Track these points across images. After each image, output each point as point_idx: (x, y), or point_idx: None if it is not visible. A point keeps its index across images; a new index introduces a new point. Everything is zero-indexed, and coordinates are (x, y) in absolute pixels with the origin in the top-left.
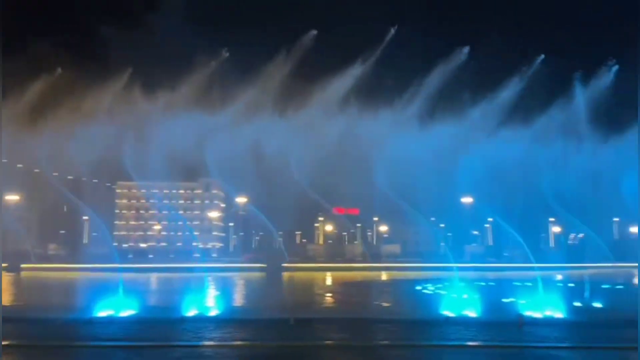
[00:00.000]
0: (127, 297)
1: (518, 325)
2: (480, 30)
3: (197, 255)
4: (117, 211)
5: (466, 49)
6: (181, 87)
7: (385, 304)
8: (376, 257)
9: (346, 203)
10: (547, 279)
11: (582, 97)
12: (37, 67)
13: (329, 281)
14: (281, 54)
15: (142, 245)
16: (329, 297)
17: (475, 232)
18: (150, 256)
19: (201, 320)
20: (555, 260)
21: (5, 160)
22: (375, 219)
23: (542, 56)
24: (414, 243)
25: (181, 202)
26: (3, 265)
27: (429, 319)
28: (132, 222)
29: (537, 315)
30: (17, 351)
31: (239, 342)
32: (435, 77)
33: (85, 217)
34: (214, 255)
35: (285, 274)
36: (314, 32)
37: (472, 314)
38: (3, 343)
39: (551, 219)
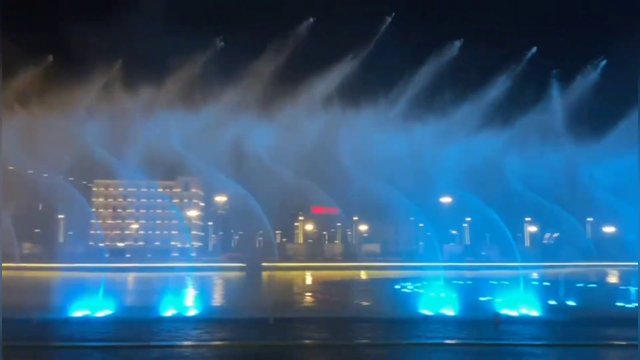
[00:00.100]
0: (104, 297)
1: (495, 323)
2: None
3: (176, 254)
4: (93, 210)
5: (453, 48)
6: (162, 84)
7: (364, 303)
8: (356, 256)
9: (326, 202)
10: (523, 278)
11: (559, 98)
12: (12, 62)
13: (308, 280)
14: (264, 54)
15: (119, 244)
16: (308, 297)
17: (454, 232)
18: (128, 255)
19: (179, 320)
20: (530, 259)
21: None
22: (355, 218)
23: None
24: (393, 242)
25: (159, 200)
26: None
27: (407, 318)
28: (109, 221)
29: (514, 313)
30: None
31: (218, 342)
32: (418, 78)
33: (60, 216)
34: (193, 254)
35: (265, 274)
36: (311, 20)
37: (450, 312)
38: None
39: (527, 219)
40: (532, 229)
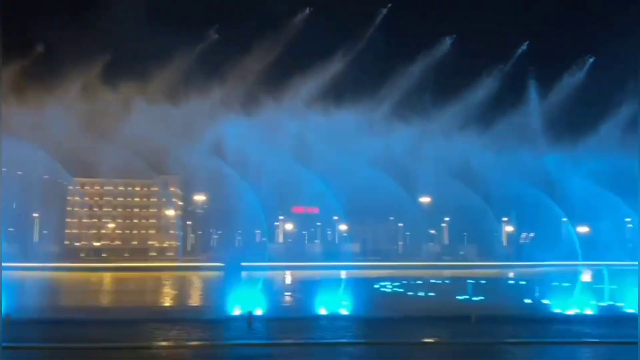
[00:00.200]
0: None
1: (472, 321)
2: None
3: (153, 254)
4: (69, 209)
5: (443, 46)
6: (141, 82)
7: (344, 302)
8: (336, 255)
9: (306, 202)
10: (500, 277)
11: (537, 101)
12: None
13: (288, 280)
14: (251, 52)
15: (96, 243)
16: (287, 296)
17: (432, 232)
18: (104, 255)
19: (152, 321)
20: (507, 258)
21: None
22: (336, 217)
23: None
24: (373, 242)
25: (137, 199)
26: None
27: (387, 317)
28: (85, 220)
29: (491, 311)
30: None
31: (194, 343)
32: (399, 81)
33: (35, 215)
34: (170, 254)
35: (244, 273)
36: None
37: (427, 311)
38: None
39: (504, 219)
40: (509, 228)
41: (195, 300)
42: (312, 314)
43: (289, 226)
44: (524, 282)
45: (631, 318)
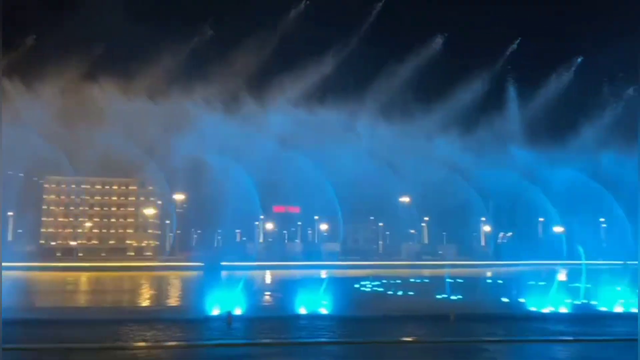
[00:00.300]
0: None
1: (450, 320)
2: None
3: (131, 253)
4: (44, 207)
5: (433, 46)
6: (121, 78)
7: (324, 302)
8: (316, 255)
9: (287, 201)
10: (478, 276)
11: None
12: None
13: (268, 279)
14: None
15: (72, 243)
16: (266, 296)
17: (412, 231)
18: (80, 254)
19: (129, 321)
20: (486, 257)
21: None
22: (316, 217)
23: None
24: (353, 241)
25: (114, 198)
26: None
27: (367, 316)
28: (61, 219)
29: (469, 310)
30: None
31: (172, 343)
32: (382, 83)
33: (9, 213)
34: (148, 253)
35: (224, 273)
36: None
37: (407, 310)
38: None
39: (482, 219)
40: (487, 228)
41: (173, 300)
42: (292, 313)
43: (269, 225)
44: (501, 281)
45: (604, 316)
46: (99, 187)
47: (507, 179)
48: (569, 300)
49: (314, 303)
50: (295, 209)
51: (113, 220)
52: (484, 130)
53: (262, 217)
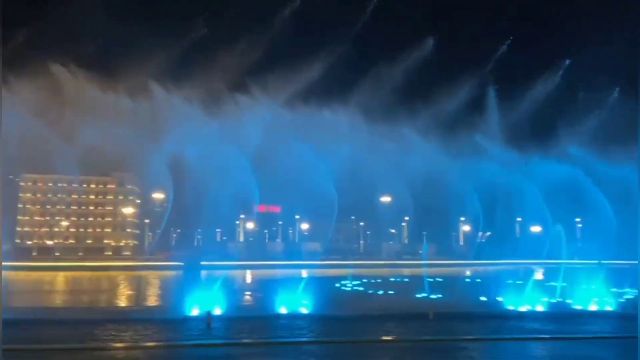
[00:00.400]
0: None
1: (430, 319)
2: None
3: (109, 253)
4: (20, 205)
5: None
6: (99, 75)
7: (304, 301)
8: (297, 254)
9: (268, 200)
10: (458, 275)
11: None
12: None
13: (248, 279)
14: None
15: (48, 242)
16: (247, 295)
17: (393, 231)
18: (57, 254)
19: (107, 321)
20: (465, 257)
21: None
22: (297, 216)
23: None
24: (334, 241)
25: (92, 197)
26: None
27: (347, 315)
28: (37, 218)
29: (448, 309)
30: None
31: (151, 343)
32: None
33: None
34: (127, 253)
35: (204, 272)
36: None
37: (387, 309)
38: None
39: (462, 219)
40: (466, 228)
41: (152, 300)
42: (273, 313)
43: (250, 225)
44: (479, 280)
45: (579, 314)
46: (76, 185)
47: (489, 173)
48: (545, 299)
49: (295, 302)
50: (276, 209)
51: (91, 219)
52: (465, 128)
53: (242, 216)
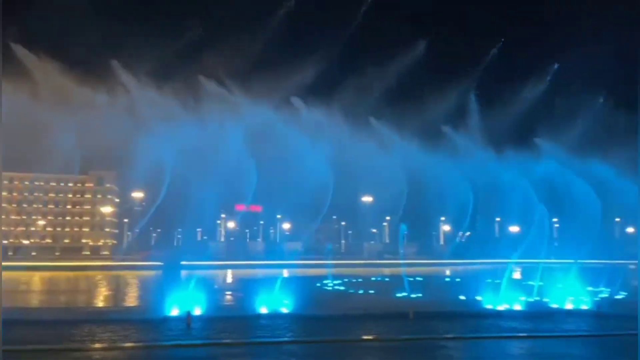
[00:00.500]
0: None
1: (410, 318)
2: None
3: (87, 253)
4: None
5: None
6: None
7: (285, 301)
8: (278, 254)
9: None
10: (438, 274)
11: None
12: None
13: (229, 279)
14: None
15: (24, 241)
16: (227, 295)
17: (374, 230)
18: (33, 253)
19: (86, 322)
20: (445, 256)
21: None
22: (279, 216)
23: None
24: (315, 240)
25: (70, 195)
26: None
27: (328, 315)
28: (13, 217)
29: (428, 308)
30: None
31: (129, 344)
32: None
33: None
34: (105, 252)
35: (184, 272)
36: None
37: (367, 309)
38: None
39: (442, 218)
40: (446, 228)
41: (131, 300)
42: (253, 313)
43: (231, 224)
44: (459, 280)
45: (555, 313)
46: (53, 184)
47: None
48: (522, 298)
49: (275, 302)
50: (257, 208)
51: (68, 218)
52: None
53: (223, 215)
